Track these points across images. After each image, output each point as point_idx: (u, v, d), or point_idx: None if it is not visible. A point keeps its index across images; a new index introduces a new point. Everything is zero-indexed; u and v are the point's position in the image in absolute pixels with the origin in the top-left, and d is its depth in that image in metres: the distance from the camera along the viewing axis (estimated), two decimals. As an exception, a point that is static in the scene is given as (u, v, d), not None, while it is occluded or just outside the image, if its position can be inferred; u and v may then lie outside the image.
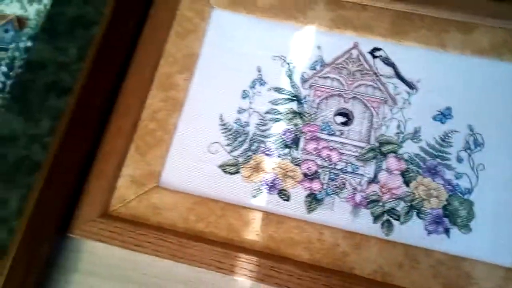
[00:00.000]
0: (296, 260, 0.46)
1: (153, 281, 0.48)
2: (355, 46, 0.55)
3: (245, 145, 0.52)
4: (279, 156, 0.51)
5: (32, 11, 0.59)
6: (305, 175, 0.50)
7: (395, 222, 0.48)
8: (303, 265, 0.46)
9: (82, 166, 0.52)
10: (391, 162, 0.50)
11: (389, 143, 0.51)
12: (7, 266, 0.47)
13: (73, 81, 0.55)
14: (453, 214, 0.48)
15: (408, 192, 0.49)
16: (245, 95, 0.54)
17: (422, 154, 0.50)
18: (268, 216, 0.48)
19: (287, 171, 0.50)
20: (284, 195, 0.50)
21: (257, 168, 0.51)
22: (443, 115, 0.51)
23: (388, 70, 0.53)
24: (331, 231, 0.47)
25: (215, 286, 0.48)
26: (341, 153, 0.51)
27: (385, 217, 0.48)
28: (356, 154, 0.51)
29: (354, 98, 0.53)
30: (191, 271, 0.48)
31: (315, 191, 0.50)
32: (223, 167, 0.51)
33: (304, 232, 0.48)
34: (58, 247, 0.49)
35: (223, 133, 0.52)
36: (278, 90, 0.54)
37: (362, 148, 0.51)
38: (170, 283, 0.48)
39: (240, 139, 0.52)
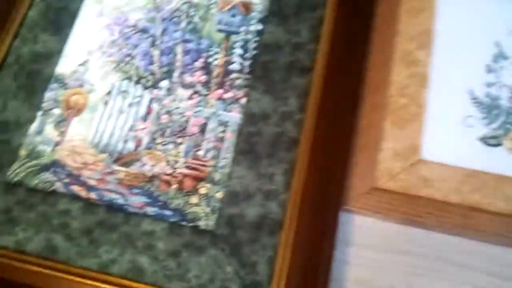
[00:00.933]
0: None
1: (431, 253, 0.47)
2: None
3: (502, 118, 0.51)
4: (541, 127, 0.50)
5: (255, -4, 0.60)
6: None
7: None
8: None
9: (339, 141, 0.51)
10: None
11: None
12: (291, 238, 0.47)
13: (310, 61, 0.56)
14: None
15: None
16: (489, 69, 0.53)
17: None
18: (548, 186, 0.47)
19: (554, 141, 0.49)
20: (557, 164, 0.48)
21: (520, 140, 0.50)
22: None
23: None
24: None
25: (495, 258, 0.46)
26: None
27: None
28: None
29: None
30: (467, 243, 0.47)
31: None
32: (483, 140, 0.50)
33: None
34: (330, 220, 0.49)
35: (475, 107, 0.52)
36: (523, 63, 0.53)
37: None
38: (448, 255, 0.47)
39: (494, 112, 0.51)
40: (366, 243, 0.48)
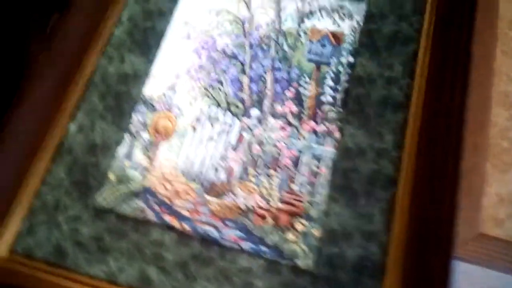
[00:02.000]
0: None
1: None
2: None
3: None
4: None
5: (345, 27, 0.59)
6: None
7: None
8: None
9: (442, 183, 0.50)
10: None
11: None
12: (394, 283, 0.45)
13: (404, 96, 0.55)
14: None
15: None
16: None
17: None
18: None
19: None
20: None
21: None
22: None
23: None
24: None
25: None
26: None
27: None
28: None
29: None
30: None
31: None
32: None
33: None
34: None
35: None
36: None
37: None
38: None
39: None
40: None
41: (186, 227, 0.49)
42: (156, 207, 0.50)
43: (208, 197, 0.50)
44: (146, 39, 0.58)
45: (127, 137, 0.53)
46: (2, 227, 0.48)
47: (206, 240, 0.48)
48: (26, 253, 0.48)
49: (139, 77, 0.56)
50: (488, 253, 0.47)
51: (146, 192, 0.50)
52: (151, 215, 0.49)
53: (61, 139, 0.53)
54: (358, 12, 0.59)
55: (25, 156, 0.52)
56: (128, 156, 0.52)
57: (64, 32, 0.57)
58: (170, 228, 0.49)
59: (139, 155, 0.52)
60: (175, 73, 0.57)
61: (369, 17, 0.59)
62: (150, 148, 0.53)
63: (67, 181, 0.51)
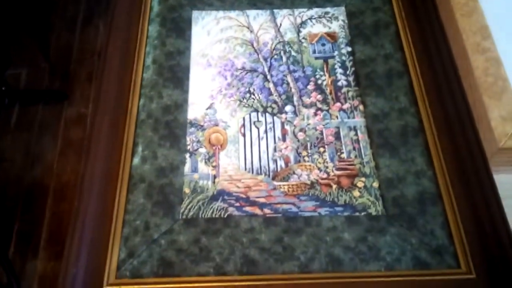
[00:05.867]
0: None
1: None
2: None
3: None
4: None
5: (335, 27, 0.72)
6: None
7: None
8: None
9: (460, 123, 0.61)
10: None
11: None
12: (454, 204, 0.55)
13: (402, 65, 0.67)
14: None
15: None
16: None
17: None
18: None
19: None
20: None
21: None
22: None
23: None
24: None
25: None
26: None
27: None
28: None
29: None
30: None
31: None
32: None
33: None
34: None
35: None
36: None
37: None
38: None
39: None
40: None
41: (268, 211, 0.56)
42: (236, 203, 0.57)
43: (276, 183, 0.58)
44: (175, 74, 0.67)
45: (187, 156, 0.60)
46: (105, 259, 0.53)
47: (289, 216, 0.55)
48: (134, 275, 0.52)
49: (181, 105, 0.64)
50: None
51: (222, 194, 0.57)
52: (233, 211, 0.56)
53: (130, 173, 0.59)
54: (341, 14, 0.72)
55: (106, 194, 0.57)
56: (195, 170, 0.59)
57: (106, 82, 0.65)
58: (255, 215, 0.55)
59: (204, 167, 0.60)
60: (209, 95, 0.65)
61: (350, 15, 0.72)
62: (211, 159, 0.60)
63: (149, 204, 0.56)
